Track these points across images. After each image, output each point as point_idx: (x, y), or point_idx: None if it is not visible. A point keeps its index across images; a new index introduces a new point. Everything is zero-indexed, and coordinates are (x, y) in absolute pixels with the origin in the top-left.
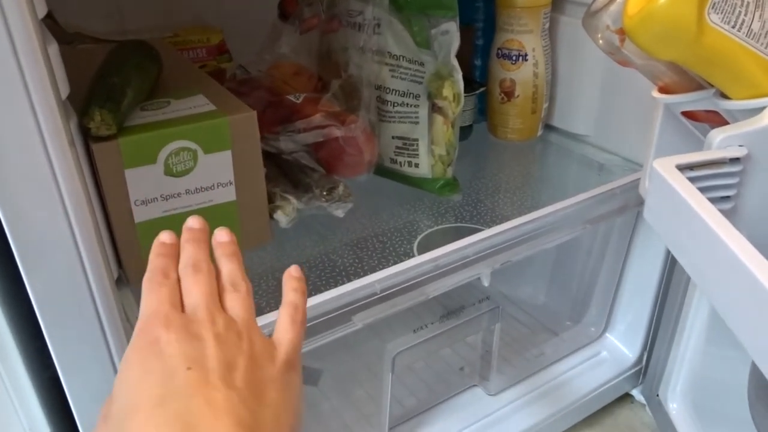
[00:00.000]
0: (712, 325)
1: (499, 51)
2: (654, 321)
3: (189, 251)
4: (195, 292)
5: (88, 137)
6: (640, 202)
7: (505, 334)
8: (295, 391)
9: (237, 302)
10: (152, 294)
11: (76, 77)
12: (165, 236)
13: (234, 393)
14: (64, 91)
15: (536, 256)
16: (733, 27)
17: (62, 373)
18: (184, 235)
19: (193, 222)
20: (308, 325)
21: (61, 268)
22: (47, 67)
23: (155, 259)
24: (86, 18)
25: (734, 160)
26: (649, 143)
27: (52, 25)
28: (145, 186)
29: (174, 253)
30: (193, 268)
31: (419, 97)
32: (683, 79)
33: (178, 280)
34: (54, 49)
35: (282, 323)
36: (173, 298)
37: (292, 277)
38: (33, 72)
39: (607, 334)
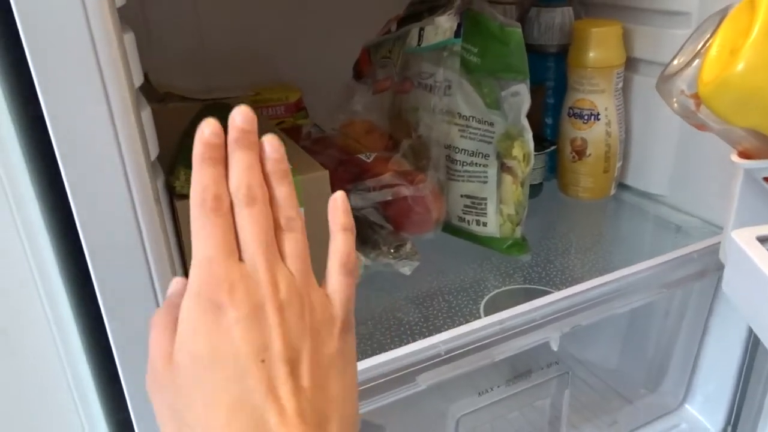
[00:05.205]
0: None
1: (570, 110)
2: (739, 392)
3: (239, 167)
4: (251, 233)
5: (173, 194)
6: (721, 267)
7: (575, 399)
8: (352, 366)
9: (294, 247)
10: (207, 236)
11: (167, 134)
12: (210, 132)
13: (303, 401)
14: (154, 152)
15: (609, 318)
16: None
17: (135, 418)
18: (232, 134)
19: (240, 119)
20: (371, 384)
21: (141, 316)
22: (139, 132)
23: (203, 169)
24: (175, 77)
25: None
26: (729, 208)
27: (145, 86)
28: None
29: (222, 156)
30: (247, 198)
31: (488, 156)
32: (764, 144)
33: (231, 205)
34: (147, 113)
35: (334, 275)
36: (230, 243)
37: (338, 210)
38: (127, 138)
39: (687, 405)
